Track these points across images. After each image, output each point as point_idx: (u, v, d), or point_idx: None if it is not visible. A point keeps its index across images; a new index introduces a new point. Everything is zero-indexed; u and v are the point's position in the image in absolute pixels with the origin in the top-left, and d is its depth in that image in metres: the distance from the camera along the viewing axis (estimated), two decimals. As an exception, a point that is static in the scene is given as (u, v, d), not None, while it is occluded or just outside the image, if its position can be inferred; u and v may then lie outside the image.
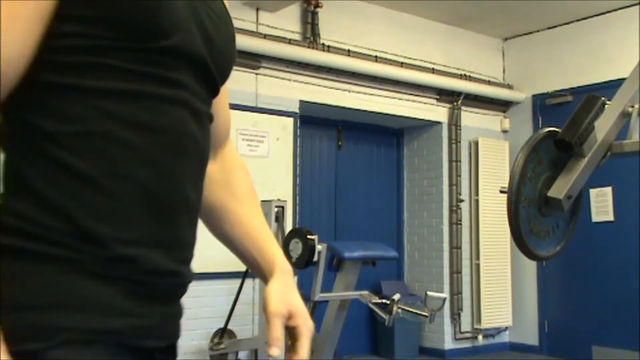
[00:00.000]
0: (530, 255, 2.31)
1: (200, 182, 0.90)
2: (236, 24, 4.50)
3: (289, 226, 4.32)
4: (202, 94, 0.88)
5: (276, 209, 3.95)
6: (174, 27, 0.81)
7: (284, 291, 0.97)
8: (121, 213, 0.78)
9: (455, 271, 5.85)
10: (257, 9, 4.81)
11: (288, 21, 5.02)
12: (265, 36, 4.79)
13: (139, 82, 0.79)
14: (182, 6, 0.83)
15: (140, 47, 0.79)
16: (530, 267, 5.92)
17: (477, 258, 5.93)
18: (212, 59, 0.88)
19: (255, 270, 1.06)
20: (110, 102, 0.78)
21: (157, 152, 0.81)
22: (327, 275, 3.83)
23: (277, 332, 0.92)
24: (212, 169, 1.02)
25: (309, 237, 3.74)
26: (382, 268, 4.52)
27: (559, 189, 2.22)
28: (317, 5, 5.06)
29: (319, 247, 3.76)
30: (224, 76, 0.95)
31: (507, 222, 2.18)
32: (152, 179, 0.80)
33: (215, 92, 0.93)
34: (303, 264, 3.74)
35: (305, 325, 0.96)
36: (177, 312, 0.90)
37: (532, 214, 2.21)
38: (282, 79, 4.97)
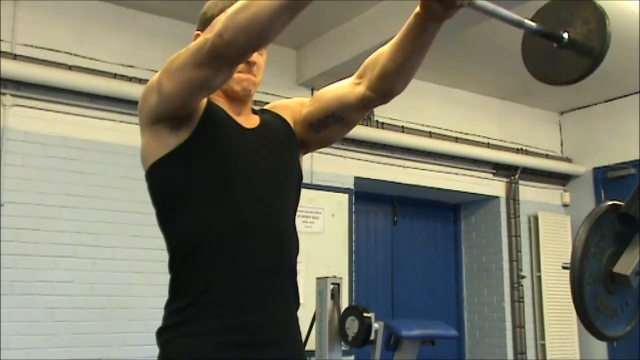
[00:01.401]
0: (598, 335, 2.19)
1: None
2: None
3: (344, 303, 4.26)
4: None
5: (332, 286, 3.91)
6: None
7: None
8: None
9: (520, 352, 5.59)
10: (312, 89, 4.94)
11: (342, 100, 5.12)
12: (320, 115, 4.89)
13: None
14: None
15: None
16: (600, 348, 5.61)
17: (543, 338, 5.66)
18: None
19: (413, 35, 1.47)
20: None
21: None
22: (384, 355, 3.72)
23: None
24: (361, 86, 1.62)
25: (365, 315, 3.68)
26: (441, 347, 4.36)
27: (626, 265, 2.12)
28: (370, 84, 5.16)
29: (375, 325, 3.68)
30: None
31: (571, 300, 2.09)
32: None
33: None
34: (360, 343, 3.66)
35: None
36: None
37: (598, 291, 2.11)
38: (337, 156, 5.03)
